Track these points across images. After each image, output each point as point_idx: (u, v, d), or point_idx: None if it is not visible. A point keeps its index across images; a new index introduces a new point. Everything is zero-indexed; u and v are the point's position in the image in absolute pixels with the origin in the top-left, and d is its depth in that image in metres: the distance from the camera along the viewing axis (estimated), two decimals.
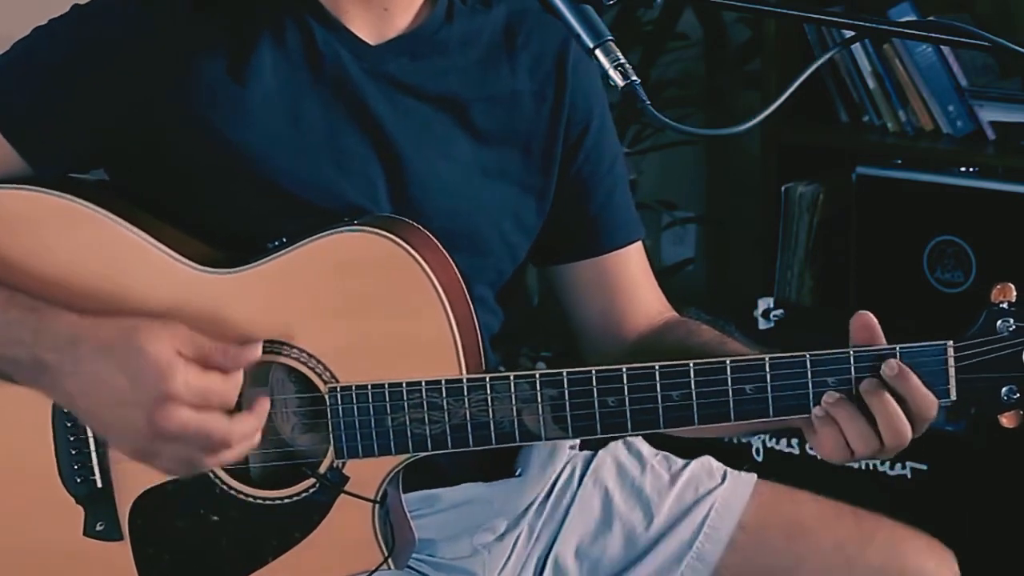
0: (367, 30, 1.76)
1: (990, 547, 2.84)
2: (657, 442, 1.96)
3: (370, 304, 1.65)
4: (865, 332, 1.63)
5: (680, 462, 1.96)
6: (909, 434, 1.62)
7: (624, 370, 1.64)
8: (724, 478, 1.93)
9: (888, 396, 1.61)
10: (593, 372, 1.64)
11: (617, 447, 1.97)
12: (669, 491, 1.92)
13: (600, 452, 1.95)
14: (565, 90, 1.84)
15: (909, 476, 2.90)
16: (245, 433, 1.62)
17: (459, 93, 1.79)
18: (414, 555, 1.79)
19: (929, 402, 1.62)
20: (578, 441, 1.95)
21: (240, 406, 1.64)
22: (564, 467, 1.94)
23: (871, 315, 1.63)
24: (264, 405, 1.64)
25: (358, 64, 1.75)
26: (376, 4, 1.75)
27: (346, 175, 1.74)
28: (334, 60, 1.74)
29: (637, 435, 1.95)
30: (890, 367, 1.61)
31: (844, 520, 1.90)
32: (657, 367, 1.64)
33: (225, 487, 1.70)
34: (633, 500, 1.92)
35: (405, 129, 1.76)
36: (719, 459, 1.98)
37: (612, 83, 1.57)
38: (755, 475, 1.94)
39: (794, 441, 2.93)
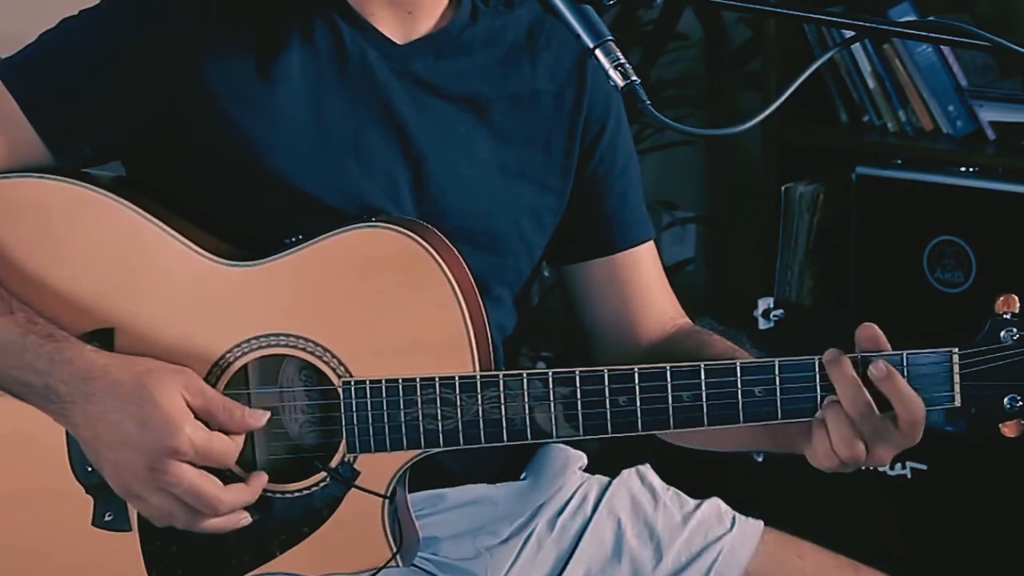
0: (393, 30, 1.78)
1: (990, 547, 2.85)
2: (667, 478, 1.99)
3: (386, 300, 1.67)
4: (870, 344, 1.63)
5: (692, 503, 1.96)
6: (876, 418, 1.61)
7: (636, 370, 1.65)
8: (733, 524, 1.93)
9: (848, 364, 1.61)
10: (605, 372, 1.65)
11: (630, 478, 1.97)
12: (680, 532, 1.91)
13: (614, 483, 1.95)
14: (584, 91, 1.85)
15: (909, 476, 2.90)
16: (234, 504, 1.65)
17: (481, 92, 1.80)
18: (419, 553, 1.79)
19: (916, 404, 1.61)
20: (585, 460, 1.96)
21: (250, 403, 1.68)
22: (577, 490, 1.94)
23: (875, 327, 1.63)
24: (261, 480, 1.67)
25: (385, 63, 1.76)
26: (400, 7, 1.77)
27: (368, 172, 1.75)
28: (361, 58, 1.75)
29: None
30: (878, 369, 1.61)
31: (844, 573, 1.90)
32: (668, 368, 1.65)
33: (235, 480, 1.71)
34: (645, 536, 1.91)
35: (428, 128, 1.78)
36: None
37: (612, 83, 1.58)
38: (762, 522, 1.94)
39: None
